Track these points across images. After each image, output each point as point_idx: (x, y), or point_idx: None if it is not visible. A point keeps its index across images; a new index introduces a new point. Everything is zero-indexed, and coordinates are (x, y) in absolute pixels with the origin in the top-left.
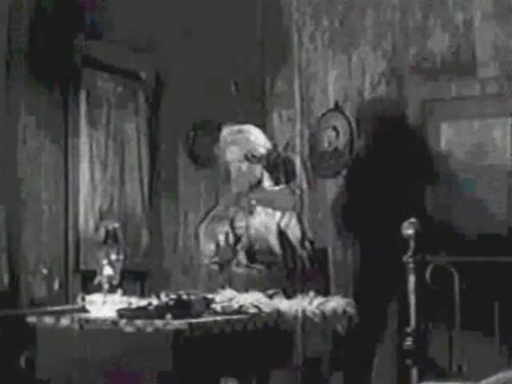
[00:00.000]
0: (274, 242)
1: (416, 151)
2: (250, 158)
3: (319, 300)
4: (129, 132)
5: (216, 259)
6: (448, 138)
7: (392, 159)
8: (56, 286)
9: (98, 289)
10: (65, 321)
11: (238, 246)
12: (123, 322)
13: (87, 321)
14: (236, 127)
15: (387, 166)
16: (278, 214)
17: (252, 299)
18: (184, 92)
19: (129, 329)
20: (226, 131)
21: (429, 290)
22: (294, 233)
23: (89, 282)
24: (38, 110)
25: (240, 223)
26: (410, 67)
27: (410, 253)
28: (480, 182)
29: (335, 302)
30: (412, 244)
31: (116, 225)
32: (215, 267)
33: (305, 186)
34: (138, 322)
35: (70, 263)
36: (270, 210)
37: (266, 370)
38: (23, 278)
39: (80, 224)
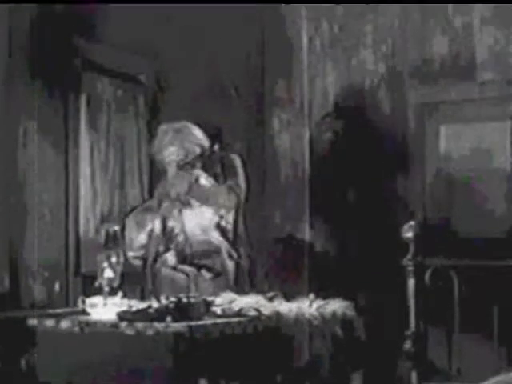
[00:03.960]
0: (214, 237)
1: (415, 154)
2: (184, 165)
3: (319, 303)
4: (129, 135)
5: (142, 252)
6: (447, 141)
7: (391, 162)
8: (56, 288)
9: (99, 291)
10: (65, 323)
11: (170, 245)
12: (123, 324)
13: (87, 323)
14: (173, 126)
15: (387, 169)
16: (218, 213)
17: (252, 302)
18: (184, 96)
19: (129, 331)
20: (162, 130)
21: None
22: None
23: (89, 285)
24: (39, 113)
25: (173, 222)
26: (409, 70)
27: (409, 256)
28: (479, 185)
29: (335, 305)
30: (411, 247)
31: (116, 228)
32: (137, 262)
33: (244, 185)
34: (139, 325)
35: (70, 266)
36: (208, 209)
37: (265, 372)
38: (24, 281)
39: (80, 227)
